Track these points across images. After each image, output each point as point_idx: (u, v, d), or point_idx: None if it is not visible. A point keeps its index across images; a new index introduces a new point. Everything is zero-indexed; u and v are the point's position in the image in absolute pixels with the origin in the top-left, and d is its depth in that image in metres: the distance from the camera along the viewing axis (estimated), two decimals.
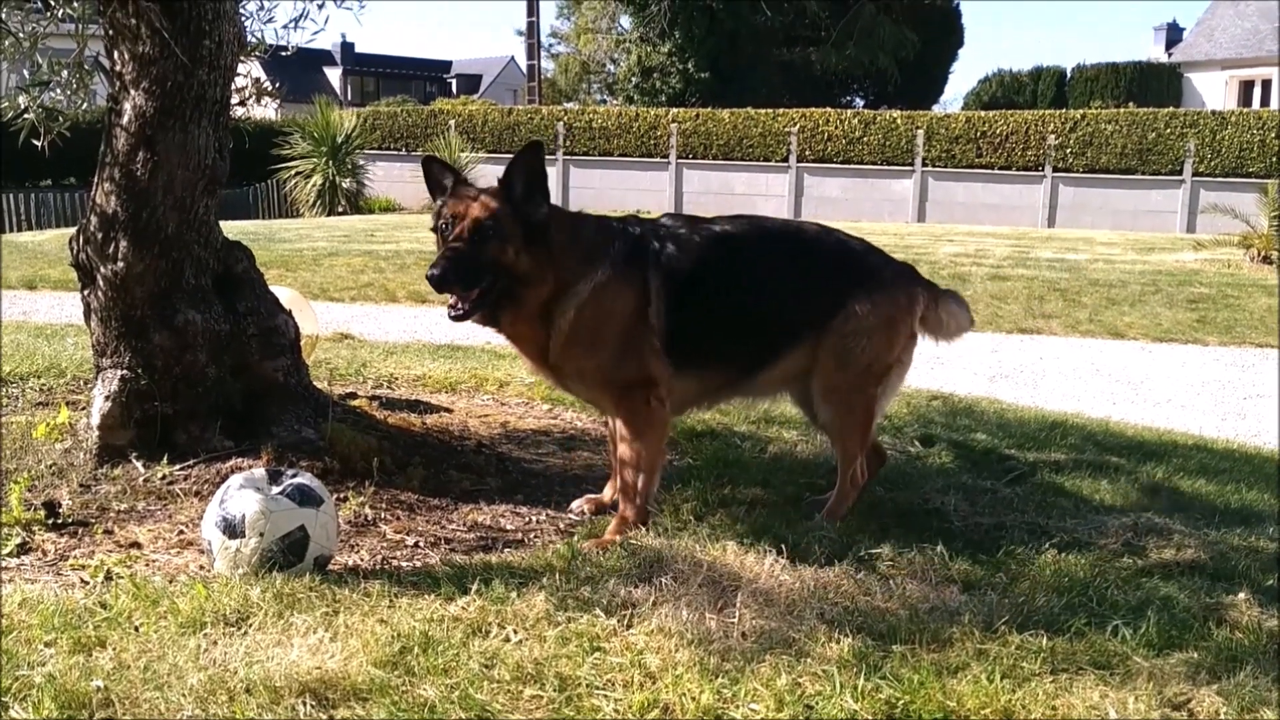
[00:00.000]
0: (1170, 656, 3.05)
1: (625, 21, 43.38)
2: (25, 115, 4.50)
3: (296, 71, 37.66)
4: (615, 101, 41.76)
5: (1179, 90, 42.55)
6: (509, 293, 3.82)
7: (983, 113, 29.61)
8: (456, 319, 3.82)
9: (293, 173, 27.18)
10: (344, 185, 27.52)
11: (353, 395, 5.59)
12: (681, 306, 4.01)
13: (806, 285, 4.21)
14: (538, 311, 3.91)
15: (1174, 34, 49.15)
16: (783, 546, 3.75)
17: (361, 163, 28.61)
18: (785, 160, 28.65)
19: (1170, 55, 45.66)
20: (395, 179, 30.18)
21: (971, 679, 2.85)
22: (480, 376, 6.48)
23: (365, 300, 13.11)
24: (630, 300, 3.99)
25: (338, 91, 58.54)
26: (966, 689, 2.79)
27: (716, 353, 4.18)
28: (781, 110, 29.56)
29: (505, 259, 3.78)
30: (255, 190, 27.63)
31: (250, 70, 5.48)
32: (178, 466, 4.23)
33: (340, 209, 27.17)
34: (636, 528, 3.97)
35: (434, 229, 3.96)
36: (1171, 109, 27.98)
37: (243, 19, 4.71)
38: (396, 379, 6.44)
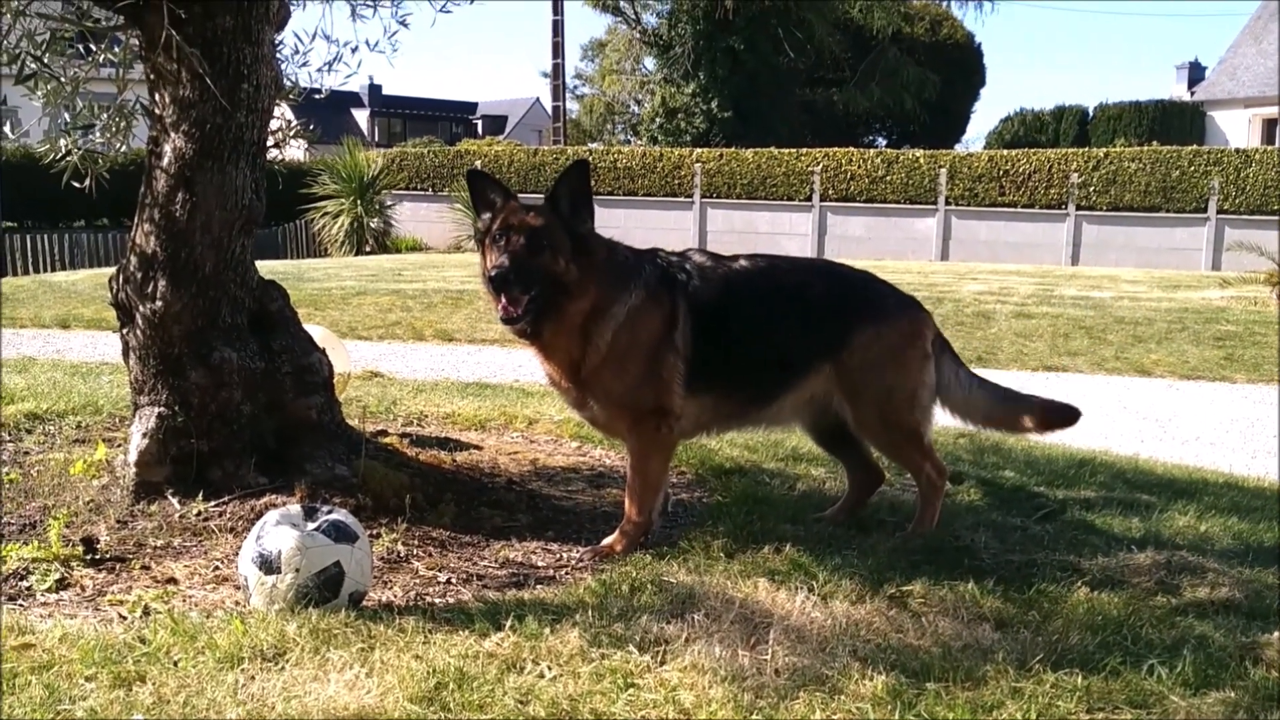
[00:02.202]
0: (1207, 696, 3.04)
1: (649, 63, 43.77)
2: (68, 157, 4.59)
3: (325, 113, 38.05)
4: (639, 142, 41.99)
5: (1202, 128, 42.54)
6: (554, 303, 3.99)
7: (1006, 151, 29.61)
8: (508, 321, 3.96)
9: (321, 213, 27.48)
10: (371, 225, 27.80)
11: (383, 433, 5.63)
12: (703, 335, 4.22)
13: (815, 318, 4.43)
14: (578, 327, 4.07)
15: (1196, 73, 49.24)
16: (814, 584, 3.76)
17: (389, 203, 28.96)
18: (808, 199, 28.73)
19: (1193, 94, 45.71)
20: (422, 219, 30.47)
21: (1007, 717, 2.84)
22: (509, 414, 6.52)
23: (393, 339, 13.17)
24: (662, 324, 4.19)
25: (365, 133, 59.08)
26: None
27: (731, 381, 4.38)
28: (804, 150, 29.68)
29: (556, 269, 3.97)
30: (284, 230, 27.89)
31: (283, 112, 5.58)
32: (213, 503, 4.27)
33: (368, 248, 27.42)
34: (638, 534, 4.25)
35: (481, 240, 4.11)
36: (1195, 147, 27.94)
37: (279, 62, 4.80)
38: (426, 416, 6.48)
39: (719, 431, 4.82)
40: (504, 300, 3.93)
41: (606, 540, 4.28)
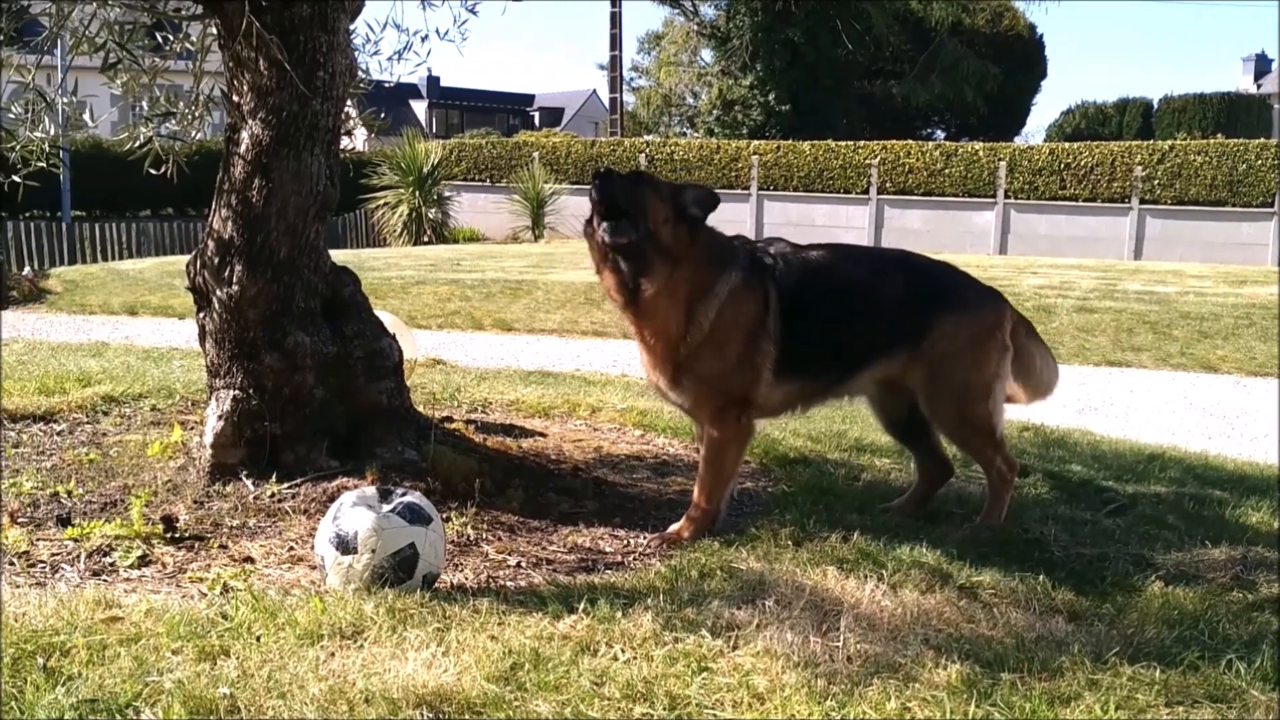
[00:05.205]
0: None
1: (707, 55, 43.63)
2: (149, 145, 4.68)
3: (384, 104, 38.31)
4: (696, 134, 41.92)
5: (1269, 121, 41.73)
6: (653, 263, 4.02)
7: (1067, 144, 29.20)
8: (612, 238, 3.99)
9: (380, 203, 27.73)
10: (430, 215, 27.99)
11: (449, 419, 5.67)
12: (790, 319, 4.24)
13: (895, 306, 4.43)
14: (681, 300, 4.10)
15: (1263, 64, 48.35)
16: (882, 573, 3.76)
17: (447, 193, 29.15)
18: (866, 192, 28.53)
19: (1259, 86, 44.87)
20: (480, 209, 30.66)
21: (1085, 709, 2.82)
22: (572, 402, 6.55)
23: (452, 328, 13.30)
24: (758, 308, 4.21)
25: (423, 124, 59.54)
26: (1081, 719, 2.77)
27: (816, 362, 4.39)
28: (862, 142, 29.47)
29: (654, 215, 4.00)
30: (344, 220, 28.19)
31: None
32: (286, 485, 4.33)
33: (426, 239, 27.62)
34: (706, 522, 4.26)
35: (590, 219, 4.14)
36: (1263, 140, 27.38)
37: (352, 51, 4.86)
38: (490, 404, 6.53)
39: (804, 410, 4.78)
40: (608, 224, 3.98)
41: (674, 527, 4.30)
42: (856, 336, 4.41)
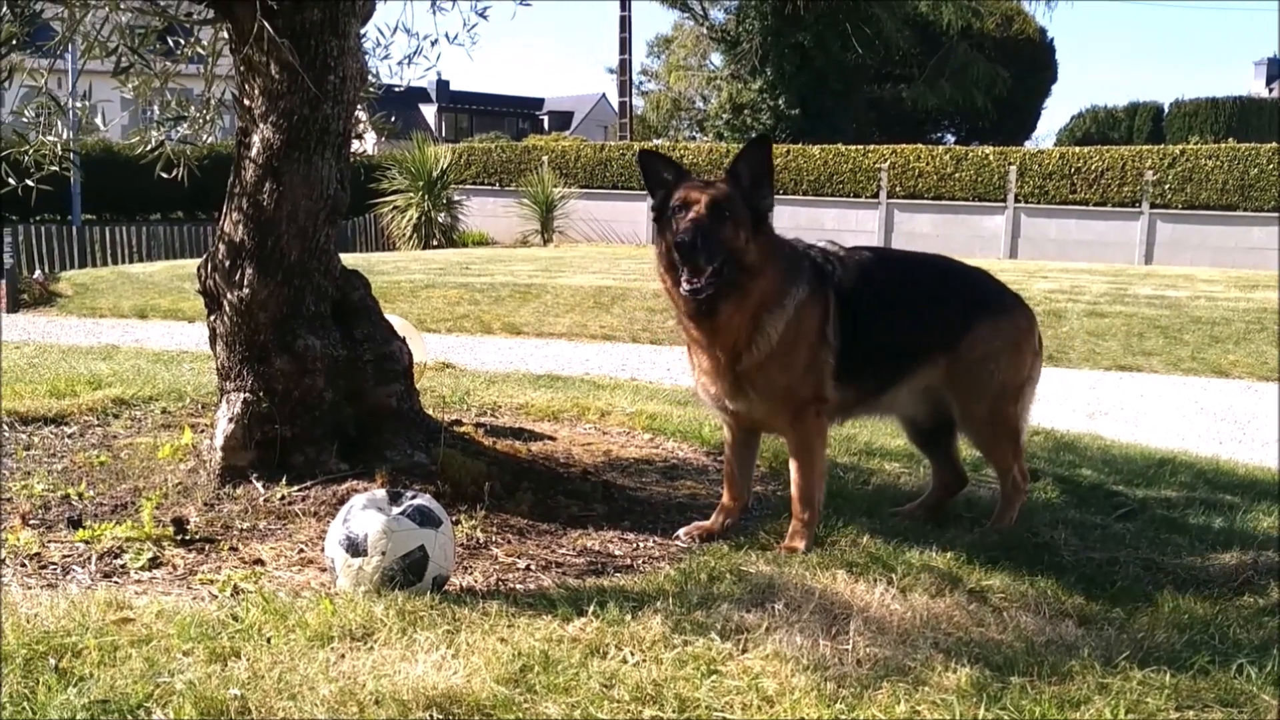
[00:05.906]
0: None
1: (716, 59, 43.61)
2: (160, 148, 4.70)
3: (394, 108, 38.41)
4: (705, 138, 41.90)
5: None
6: (733, 280, 3.90)
7: (1077, 148, 29.18)
8: (693, 292, 3.85)
9: (389, 207, 27.81)
10: (439, 219, 28.07)
11: (458, 422, 5.69)
12: (844, 326, 4.19)
13: (936, 309, 4.44)
14: (750, 311, 3.99)
15: (1274, 68, 48.21)
16: (892, 576, 3.75)
17: (456, 197, 29.23)
18: (875, 196, 28.54)
19: (1271, 90, 44.74)
20: (489, 213, 30.72)
21: (1095, 713, 2.82)
22: (582, 406, 6.56)
23: (461, 331, 13.32)
24: (821, 318, 4.15)
25: (433, 128, 59.65)
26: None
27: (861, 370, 4.32)
28: (872, 146, 29.48)
29: (737, 243, 3.89)
30: (353, 223, 28.27)
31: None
32: (296, 488, 4.34)
33: (435, 242, 27.69)
34: (815, 527, 4.21)
35: (657, 217, 4.05)
36: (1275, 144, 27.29)
37: (363, 55, 4.87)
38: (500, 407, 6.54)
39: (842, 421, 4.76)
40: (688, 271, 3.82)
41: (788, 542, 4.17)
42: (901, 340, 4.38)
